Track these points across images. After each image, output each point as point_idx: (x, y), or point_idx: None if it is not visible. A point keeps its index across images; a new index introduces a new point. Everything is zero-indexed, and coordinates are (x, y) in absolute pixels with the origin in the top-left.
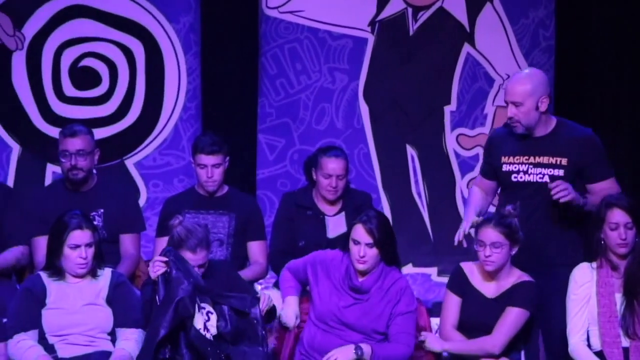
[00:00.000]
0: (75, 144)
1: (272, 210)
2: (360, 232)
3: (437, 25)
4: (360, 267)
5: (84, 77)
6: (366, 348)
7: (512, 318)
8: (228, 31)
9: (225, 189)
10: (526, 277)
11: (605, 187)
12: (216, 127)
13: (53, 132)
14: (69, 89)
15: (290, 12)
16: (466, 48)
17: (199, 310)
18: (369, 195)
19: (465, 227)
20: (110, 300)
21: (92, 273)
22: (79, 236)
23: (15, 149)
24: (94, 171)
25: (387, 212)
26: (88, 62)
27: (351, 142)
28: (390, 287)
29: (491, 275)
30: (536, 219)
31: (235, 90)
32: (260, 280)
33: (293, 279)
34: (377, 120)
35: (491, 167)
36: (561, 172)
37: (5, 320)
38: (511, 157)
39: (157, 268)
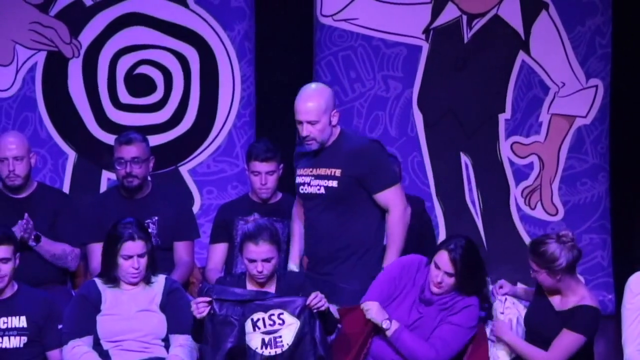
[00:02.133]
0: (130, 151)
1: None
2: (443, 260)
3: (492, 32)
4: (435, 290)
5: (139, 84)
6: (394, 324)
7: (568, 342)
8: (282, 39)
9: (279, 195)
10: (588, 301)
11: (388, 197)
12: (270, 134)
13: (108, 139)
14: (125, 96)
15: (345, 20)
16: (521, 56)
17: (254, 330)
18: (422, 200)
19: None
20: (164, 307)
21: (146, 280)
22: (132, 247)
23: (71, 156)
24: (149, 178)
25: (441, 220)
26: (143, 69)
27: (405, 150)
28: (456, 304)
29: (550, 291)
30: (314, 229)
31: (289, 98)
32: None
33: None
34: (431, 128)
35: None
36: (335, 184)
37: (60, 326)
38: (302, 170)
39: (201, 309)
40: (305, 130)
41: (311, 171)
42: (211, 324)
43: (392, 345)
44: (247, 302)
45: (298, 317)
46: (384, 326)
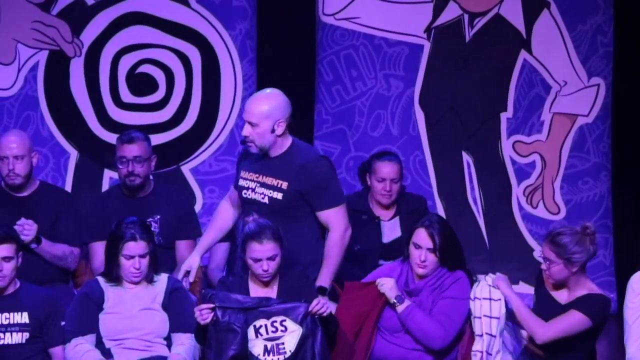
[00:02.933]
0: (132, 150)
1: None
2: (422, 236)
3: (493, 31)
4: (420, 271)
5: (141, 83)
6: (406, 302)
7: (571, 319)
8: (284, 38)
9: None
10: (599, 291)
11: (330, 216)
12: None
13: (110, 138)
14: (126, 96)
15: (347, 19)
16: (523, 55)
17: (256, 337)
18: (424, 198)
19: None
20: (166, 306)
21: (149, 279)
22: (134, 247)
23: (73, 155)
24: (151, 177)
25: None
26: (145, 68)
27: (407, 149)
28: (444, 281)
29: (556, 285)
30: None
31: (291, 97)
32: None
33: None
34: (433, 127)
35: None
36: (280, 196)
37: (63, 323)
38: (247, 173)
39: (205, 316)
40: (245, 130)
41: (257, 177)
42: (214, 330)
43: (394, 345)
44: (250, 309)
45: (300, 323)
46: (397, 301)
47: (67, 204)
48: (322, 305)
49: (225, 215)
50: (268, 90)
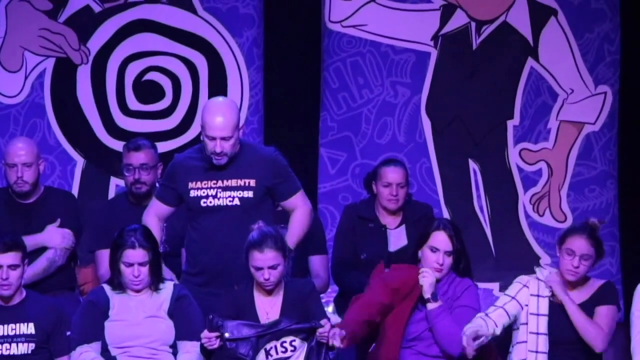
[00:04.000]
0: (139, 158)
1: (333, 224)
2: (440, 239)
3: (500, 39)
4: (437, 275)
5: (147, 91)
6: (439, 302)
7: (606, 314)
8: (291, 45)
9: None
10: (601, 281)
11: (298, 201)
12: (278, 140)
13: (117, 145)
14: (133, 103)
15: (353, 26)
16: (530, 62)
17: (267, 358)
18: (431, 207)
19: None
20: (171, 313)
21: (154, 286)
22: (132, 255)
23: (80, 162)
24: (157, 185)
25: None
26: (152, 76)
27: (413, 156)
28: (457, 287)
29: (572, 284)
30: (225, 242)
31: (297, 104)
32: (322, 295)
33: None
34: (440, 135)
35: (174, 192)
36: (250, 194)
37: (68, 332)
38: (198, 182)
39: (212, 343)
40: (219, 146)
41: (215, 183)
42: (221, 353)
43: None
44: (261, 337)
45: (306, 339)
46: (431, 299)
47: (67, 203)
48: (327, 336)
49: (156, 231)
50: (221, 99)
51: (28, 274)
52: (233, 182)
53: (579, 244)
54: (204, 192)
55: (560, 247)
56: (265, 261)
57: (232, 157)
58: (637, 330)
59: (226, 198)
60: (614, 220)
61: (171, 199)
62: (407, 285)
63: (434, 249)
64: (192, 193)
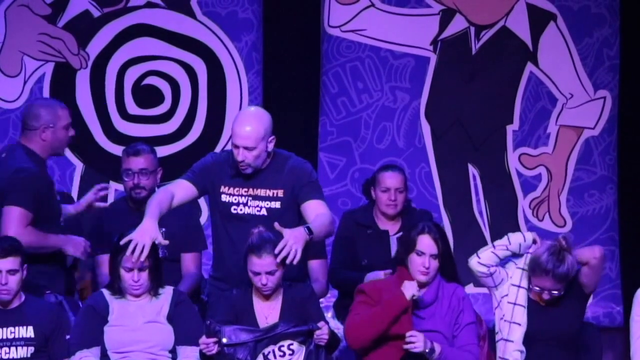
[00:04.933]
0: (138, 162)
1: None
2: (426, 243)
3: (500, 44)
4: (423, 278)
5: (146, 95)
6: (437, 348)
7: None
8: (290, 50)
9: None
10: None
11: (317, 205)
12: (277, 145)
13: (116, 150)
14: (132, 107)
15: (352, 31)
16: (529, 67)
17: None
18: (430, 213)
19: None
20: (171, 318)
21: (153, 291)
22: (131, 260)
23: (79, 167)
24: (157, 190)
25: (448, 231)
26: (151, 80)
27: (412, 161)
28: (452, 296)
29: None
30: None
31: (296, 109)
32: (321, 300)
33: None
34: (439, 139)
35: (205, 187)
36: (278, 204)
37: (68, 337)
38: (231, 188)
39: (210, 349)
40: (241, 155)
41: (246, 191)
42: (219, 358)
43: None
44: (259, 341)
45: (304, 342)
46: (429, 354)
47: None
48: (323, 338)
49: (171, 197)
50: (253, 109)
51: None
52: (261, 192)
53: (548, 284)
54: (235, 199)
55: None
56: (263, 267)
57: (265, 167)
58: (637, 336)
59: (255, 207)
60: (613, 225)
61: (201, 186)
62: (387, 288)
63: (419, 253)
64: (224, 198)
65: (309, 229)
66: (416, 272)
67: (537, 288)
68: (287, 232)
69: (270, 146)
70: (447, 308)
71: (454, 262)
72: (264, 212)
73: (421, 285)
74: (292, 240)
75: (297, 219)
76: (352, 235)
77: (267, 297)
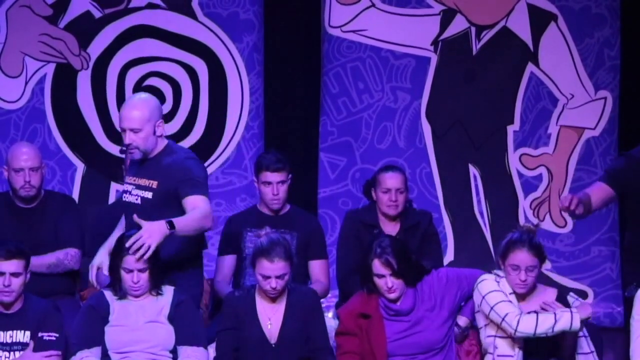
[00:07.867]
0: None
1: (333, 229)
2: (379, 267)
3: (500, 44)
4: (392, 296)
5: None
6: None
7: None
8: (291, 50)
9: (288, 207)
10: (552, 289)
11: (195, 201)
12: (278, 145)
13: (117, 151)
14: None
15: (353, 32)
16: (530, 67)
17: None
18: (430, 214)
19: None
20: (172, 318)
21: (154, 292)
22: (132, 261)
23: (80, 167)
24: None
25: (449, 231)
26: (152, 81)
27: (413, 161)
28: (428, 285)
29: (521, 296)
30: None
31: (297, 109)
32: (322, 300)
33: None
34: (440, 140)
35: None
36: (149, 195)
37: (56, 336)
38: (128, 177)
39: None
40: (127, 138)
41: (134, 180)
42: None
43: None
44: None
45: None
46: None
47: (68, 207)
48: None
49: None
50: (139, 95)
51: (33, 263)
52: (142, 182)
53: (522, 257)
54: (126, 187)
55: (503, 262)
56: (274, 270)
57: (151, 157)
58: (637, 336)
59: (134, 196)
60: (614, 226)
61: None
62: (363, 308)
63: (379, 276)
64: (123, 187)
65: (170, 223)
66: (383, 292)
67: (513, 268)
68: (144, 226)
69: (159, 130)
70: (428, 298)
71: (413, 265)
72: (138, 200)
73: (392, 301)
74: (147, 235)
75: (170, 212)
76: (358, 234)
77: (271, 299)
